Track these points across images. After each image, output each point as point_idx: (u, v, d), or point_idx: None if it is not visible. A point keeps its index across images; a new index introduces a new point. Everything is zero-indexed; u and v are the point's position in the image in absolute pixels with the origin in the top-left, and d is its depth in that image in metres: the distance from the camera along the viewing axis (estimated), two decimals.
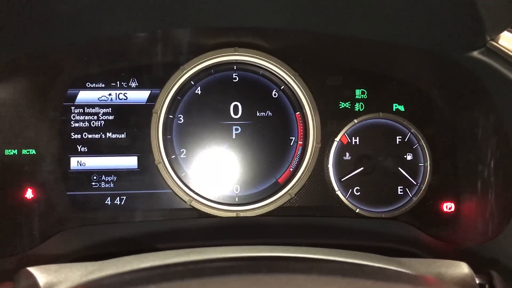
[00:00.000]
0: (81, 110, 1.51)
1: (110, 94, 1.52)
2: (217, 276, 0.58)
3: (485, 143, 1.31)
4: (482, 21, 1.03)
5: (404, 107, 1.59)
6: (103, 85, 1.52)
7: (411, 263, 0.80)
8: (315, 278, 0.58)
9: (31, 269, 0.73)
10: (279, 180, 1.57)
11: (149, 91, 1.53)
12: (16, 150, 1.39)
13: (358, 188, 1.58)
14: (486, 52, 1.15)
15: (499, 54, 1.13)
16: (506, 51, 1.12)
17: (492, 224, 1.27)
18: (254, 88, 1.57)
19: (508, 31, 1.13)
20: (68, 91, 1.50)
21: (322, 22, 1.25)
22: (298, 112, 1.57)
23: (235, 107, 1.56)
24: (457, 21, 1.08)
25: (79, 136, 1.50)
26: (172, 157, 1.53)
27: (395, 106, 1.59)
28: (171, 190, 1.52)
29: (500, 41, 1.13)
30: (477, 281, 0.81)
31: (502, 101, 1.19)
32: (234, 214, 1.52)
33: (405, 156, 1.59)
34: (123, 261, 0.74)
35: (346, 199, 1.57)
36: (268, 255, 0.68)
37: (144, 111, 1.52)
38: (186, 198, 1.51)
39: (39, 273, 0.72)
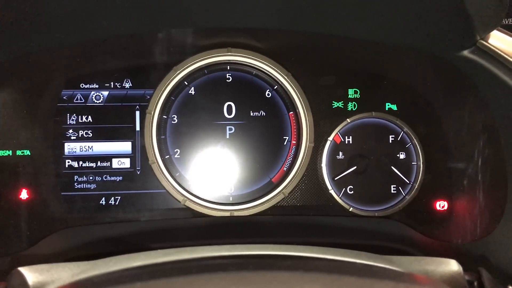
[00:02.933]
0: (75, 111, 1.51)
1: (104, 95, 1.53)
2: (204, 274, 0.59)
3: (476, 141, 1.31)
4: (472, 20, 1.03)
5: (396, 106, 1.60)
6: (97, 86, 1.53)
7: (401, 260, 0.81)
8: (300, 274, 0.59)
9: (23, 269, 0.73)
10: (272, 180, 1.57)
11: (143, 92, 1.54)
12: (10, 151, 1.39)
13: (351, 187, 1.59)
14: (476, 51, 1.15)
15: (489, 53, 1.13)
16: (496, 50, 1.12)
17: (484, 222, 1.28)
18: (247, 88, 1.57)
19: (498, 30, 1.14)
20: (62, 92, 1.51)
21: (315, 22, 1.25)
22: (291, 112, 1.58)
23: (229, 107, 1.56)
24: (446, 21, 1.09)
25: (73, 136, 1.51)
26: (166, 157, 1.53)
27: (388, 105, 1.60)
28: (165, 190, 1.52)
29: (489, 40, 1.13)
30: (466, 278, 0.82)
31: (493, 99, 1.19)
32: (228, 214, 1.53)
33: (398, 155, 1.60)
34: (114, 260, 0.74)
35: (340, 198, 1.58)
36: (254, 253, 0.69)
37: (138, 111, 1.53)
38: (180, 198, 1.52)
39: (31, 273, 0.72)
